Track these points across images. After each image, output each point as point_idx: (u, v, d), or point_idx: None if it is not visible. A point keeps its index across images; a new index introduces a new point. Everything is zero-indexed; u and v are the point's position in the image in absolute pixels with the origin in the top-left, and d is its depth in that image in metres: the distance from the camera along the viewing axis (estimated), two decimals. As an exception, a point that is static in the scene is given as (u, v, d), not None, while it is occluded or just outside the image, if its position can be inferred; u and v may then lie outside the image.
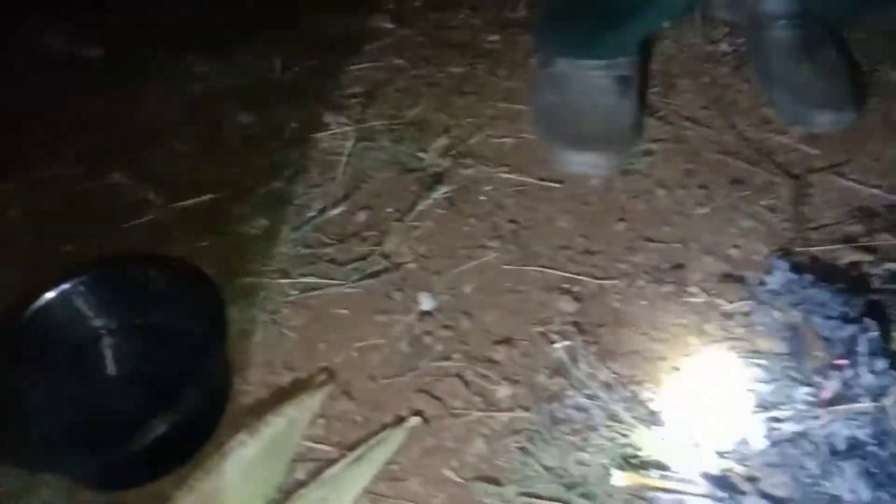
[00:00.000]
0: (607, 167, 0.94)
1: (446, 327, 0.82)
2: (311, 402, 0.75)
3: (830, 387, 0.70)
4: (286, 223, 0.94)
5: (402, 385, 0.77)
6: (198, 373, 0.73)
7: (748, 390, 0.72)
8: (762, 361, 0.74)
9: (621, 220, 0.90)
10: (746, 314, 0.79)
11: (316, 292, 0.86)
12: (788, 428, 0.68)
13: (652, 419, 0.72)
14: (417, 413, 0.74)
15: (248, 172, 1.01)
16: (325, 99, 1.09)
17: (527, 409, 0.74)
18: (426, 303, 0.84)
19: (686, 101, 1.03)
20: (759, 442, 0.68)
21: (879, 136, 0.95)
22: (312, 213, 0.94)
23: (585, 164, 0.94)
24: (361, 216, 0.94)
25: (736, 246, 0.86)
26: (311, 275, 0.88)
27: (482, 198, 0.95)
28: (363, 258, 0.89)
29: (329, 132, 1.04)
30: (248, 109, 1.10)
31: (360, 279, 0.87)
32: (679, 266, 0.85)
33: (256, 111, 1.10)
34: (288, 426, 0.72)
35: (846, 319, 0.73)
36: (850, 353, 0.71)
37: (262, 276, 0.88)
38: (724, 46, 1.08)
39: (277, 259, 0.90)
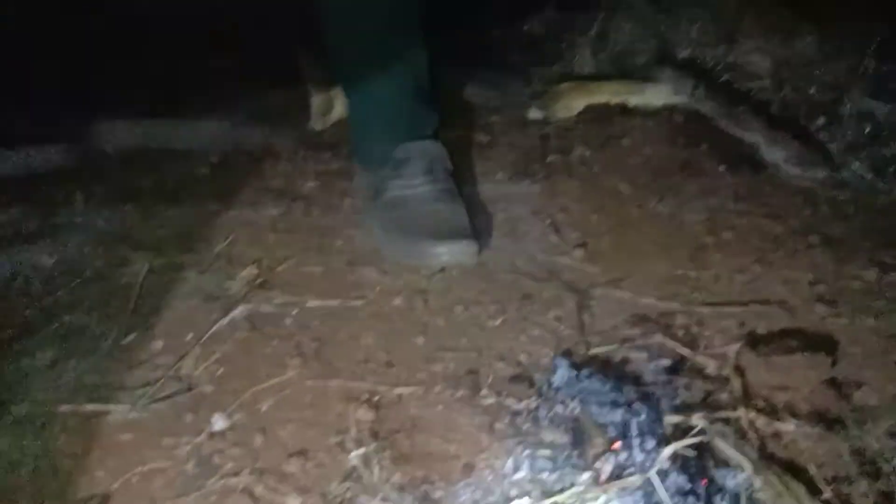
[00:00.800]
0: (474, 252, 1.00)
1: (238, 445, 0.79)
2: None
3: (607, 468, 0.73)
4: (75, 355, 0.89)
5: (183, 506, 0.72)
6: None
7: (534, 480, 0.73)
8: (547, 452, 0.76)
9: (422, 334, 0.94)
10: (533, 410, 0.82)
11: (99, 419, 0.81)
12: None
13: (442, 516, 0.71)
14: (198, 533, 0.69)
15: (41, 310, 0.97)
16: (132, 239, 1.09)
17: (316, 517, 0.71)
18: (219, 423, 0.81)
19: (483, 233, 1.11)
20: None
21: (654, 257, 1.06)
22: (106, 343, 0.91)
23: (455, 252, 1.00)
24: (158, 343, 0.92)
25: (526, 352, 0.91)
26: (96, 402, 0.83)
27: (287, 321, 0.96)
28: (154, 382, 0.86)
29: (132, 267, 1.03)
30: (50, 252, 1.08)
31: (149, 403, 0.83)
32: (473, 372, 0.88)
33: (60, 253, 1.08)
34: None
35: (618, 405, 0.78)
36: (623, 435, 0.75)
37: (41, 405, 0.82)
38: (513, 187, 1.20)
39: (60, 389, 0.85)
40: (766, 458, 0.73)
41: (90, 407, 0.82)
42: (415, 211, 1.05)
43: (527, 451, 0.76)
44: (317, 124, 1.37)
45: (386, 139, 1.13)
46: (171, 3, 1.69)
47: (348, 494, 0.74)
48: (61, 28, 1.59)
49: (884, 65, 1.28)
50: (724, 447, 0.74)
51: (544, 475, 0.74)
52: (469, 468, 0.76)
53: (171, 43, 1.60)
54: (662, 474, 0.71)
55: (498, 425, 0.81)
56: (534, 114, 1.38)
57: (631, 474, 0.72)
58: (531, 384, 0.86)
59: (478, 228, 1.06)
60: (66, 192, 1.18)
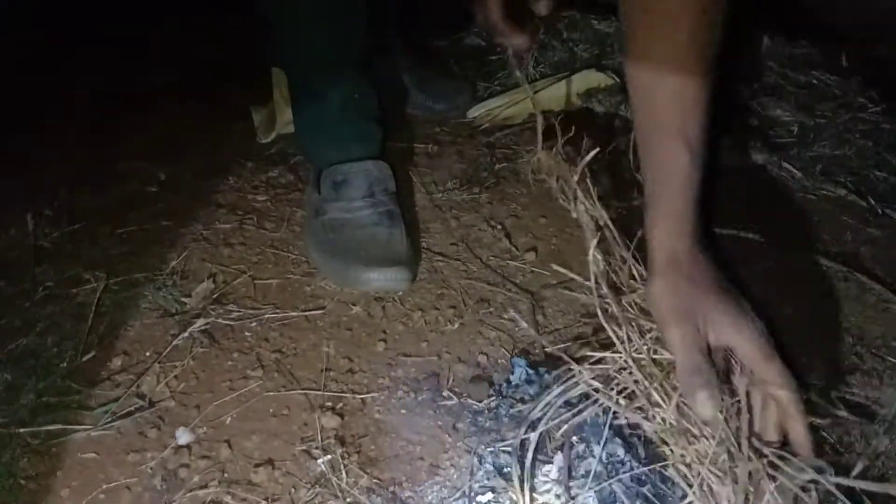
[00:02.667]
0: (406, 279, 1.01)
1: (204, 457, 0.80)
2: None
3: (557, 462, 0.76)
4: (32, 376, 0.88)
5: (153, 521, 0.73)
6: None
7: (497, 475, 0.76)
8: (508, 448, 0.79)
9: (382, 340, 0.96)
10: (493, 409, 0.85)
11: (60, 439, 0.81)
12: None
13: (411, 514, 0.73)
14: (169, 547, 0.70)
15: (-8, 334, 0.96)
16: (83, 260, 1.08)
17: (286, 524, 0.72)
18: (183, 437, 0.82)
19: (437, 240, 1.14)
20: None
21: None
22: (63, 363, 0.90)
23: (386, 279, 1.00)
24: (117, 361, 0.91)
25: (483, 353, 0.94)
26: (56, 422, 0.82)
27: (247, 334, 0.96)
28: (115, 400, 0.85)
29: (86, 287, 1.02)
30: (-2, 276, 1.06)
31: (111, 421, 0.83)
32: (434, 375, 0.90)
33: (8, 277, 1.06)
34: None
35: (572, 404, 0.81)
36: (579, 429, 0.79)
37: (0, 428, 0.81)
38: (464, 196, 1.23)
39: (19, 411, 0.84)
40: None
41: (51, 427, 0.81)
42: (351, 235, 1.06)
43: (490, 449, 0.79)
44: (262, 137, 1.37)
45: (332, 148, 1.14)
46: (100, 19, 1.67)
47: (317, 500, 0.75)
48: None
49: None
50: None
51: (506, 470, 0.77)
52: (434, 468, 0.79)
53: (103, 58, 1.58)
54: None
55: (460, 425, 0.83)
56: (479, 122, 1.42)
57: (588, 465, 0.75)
58: (491, 384, 0.89)
59: (419, 245, 1.09)
60: (11, 215, 1.16)
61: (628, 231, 0.88)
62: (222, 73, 1.53)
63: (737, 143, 1.26)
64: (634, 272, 0.87)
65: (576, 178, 0.96)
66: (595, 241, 0.82)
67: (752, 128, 1.31)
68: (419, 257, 1.08)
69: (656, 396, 0.74)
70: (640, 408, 0.76)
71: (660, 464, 0.74)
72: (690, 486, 0.69)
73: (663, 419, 0.74)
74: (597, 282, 0.80)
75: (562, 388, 0.83)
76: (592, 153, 0.92)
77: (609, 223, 0.88)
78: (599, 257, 0.85)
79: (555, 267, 0.88)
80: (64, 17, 1.67)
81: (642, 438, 0.77)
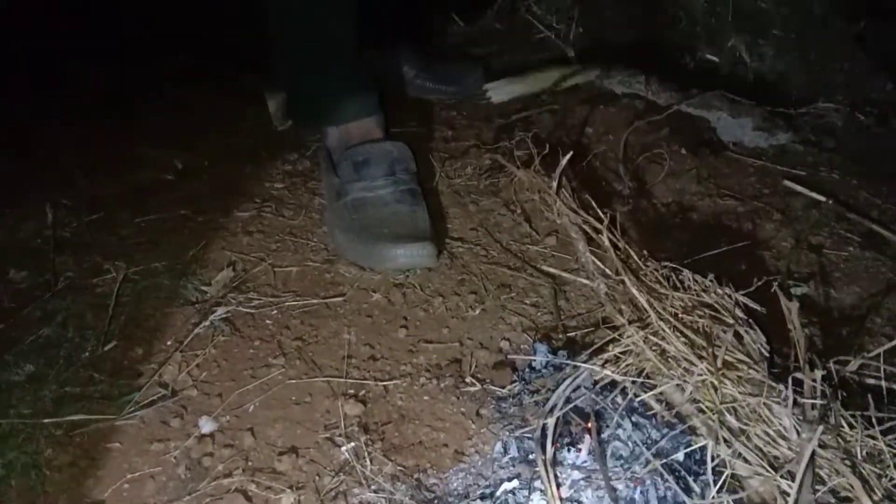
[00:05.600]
0: (432, 255, 1.00)
1: (228, 446, 0.79)
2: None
3: (584, 447, 0.75)
4: (54, 366, 0.88)
5: (178, 510, 0.73)
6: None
7: (523, 462, 0.75)
8: (532, 434, 0.78)
9: (403, 327, 0.95)
10: (517, 395, 0.84)
11: (84, 429, 0.81)
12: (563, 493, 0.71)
13: (437, 501, 0.72)
14: (195, 536, 0.70)
15: (15, 324, 0.96)
16: (103, 250, 1.08)
17: (311, 512, 0.72)
18: (206, 426, 0.81)
19: (456, 225, 1.13)
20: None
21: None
22: (85, 353, 0.90)
23: (413, 254, 1.00)
24: (139, 351, 0.91)
25: (506, 339, 0.93)
26: (80, 412, 0.82)
27: (267, 321, 0.96)
28: (138, 390, 0.85)
29: (106, 277, 1.02)
30: (18, 266, 1.06)
31: (134, 411, 0.83)
32: (456, 361, 0.90)
33: (29, 267, 1.06)
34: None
35: (595, 391, 0.80)
36: (599, 416, 0.78)
37: (23, 418, 0.81)
38: (482, 180, 1.22)
39: (42, 401, 0.84)
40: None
41: (74, 418, 0.81)
42: (374, 213, 1.05)
43: (514, 435, 0.78)
44: (278, 124, 1.36)
45: (338, 105, 1.15)
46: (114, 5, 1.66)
47: (342, 488, 0.75)
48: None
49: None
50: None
51: (532, 456, 0.76)
52: (459, 455, 0.78)
53: (119, 46, 1.58)
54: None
55: (484, 411, 0.83)
56: (495, 98, 1.42)
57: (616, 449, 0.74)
58: (514, 370, 0.88)
59: (440, 229, 1.08)
60: (30, 206, 1.16)
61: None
62: (237, 58, 1.52)
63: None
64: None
65: (554, 188, 0.97)
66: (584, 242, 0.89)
67: None
68: (441, 239, 1.07)
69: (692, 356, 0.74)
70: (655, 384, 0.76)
71: (684, 432, 0.73)
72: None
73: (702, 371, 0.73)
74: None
75: (584, 372, 0.81)
76: (565, 159, 0.94)
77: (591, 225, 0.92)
78: (591, 257, 0.86)
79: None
80: (77, 4, 1.66)
81: (662, 418, 0.76)
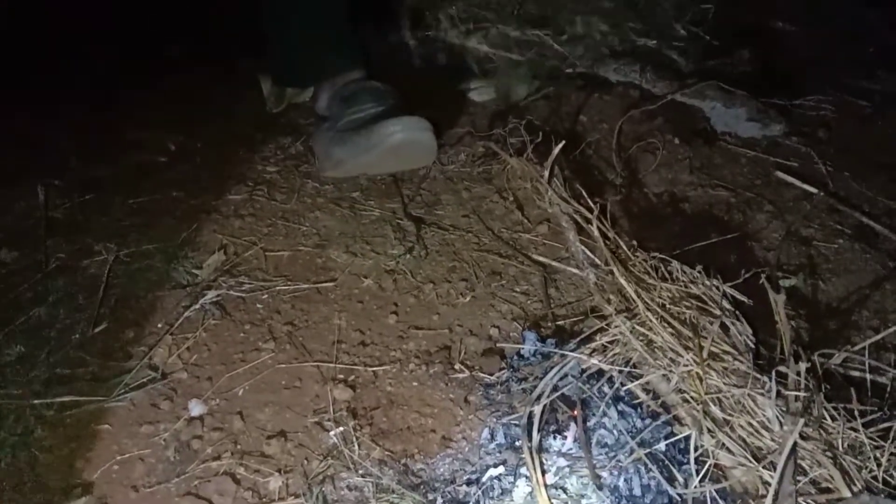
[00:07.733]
0: (427, 127, 1.07)
1: (217, 429, 0.80)
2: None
3: (570, 435, 0.76)
4: (45, 347, 0.89)
5: (167, 492, 0.73)
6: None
7: (509, 448, 0.76)
8: (519, 421, 0.79)
9: (394, 313, 0.95)
10: (505, 382, 0.84)
11: (74, 410, 0.81)
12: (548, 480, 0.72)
13: (424, 486, 0.73)
14: (183, 517, 0.70)
15: (6, 305, 0.96)
16: (95, 231, 1.08)
17: (299, 495, 0.72)
18: (196, 409, 0.82)
19: (448, 212, 1.13)
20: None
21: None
22: (76, 335, 0.90)
23: (409, 128, 1.05)
24: (129, 333, 0.91)
25: (495, 326, 0.93)
26: (70, 394, 0.83)
27: (258, 306, 0.96)
28: (128, 372, 0.86)
29: (97, 258, 1.02)
30: (9, 247, 1.06)
31: (124, 393, 0.83)
32: (446, 348, 0.90)
33: (20, 248, 1.06)
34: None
35: (582, 380, 0.81)
36: (585, 405, 0.79)
37: (13, 399, 0.81)
38: (476, 167, 1.22)
39: (32, 382, 0.84)
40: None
41: (64, 399, 0.82)
42: (364, 119, 1.10)
43: (502, 422, 0.79)
44: (272, 107, 1.36)
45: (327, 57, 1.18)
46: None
47: (330, 472, 0.75)
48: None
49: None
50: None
51: (518, 443, 0.76)
52: (446, 441, 0.79)
53: (113, 33, 1.56)
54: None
55: (472, 398, 0.83)
56: (485, 95, 1.41)
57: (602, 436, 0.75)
58: (502, 357, 0.88)
59: (433, 216, 1.10)
60: (22, 186, 1.16)
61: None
62: (233, 41, 1.51)
63: None
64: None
65: (545, 177, 0.97)
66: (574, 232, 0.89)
67: None
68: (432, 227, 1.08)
69: (678, 347, 0.75)
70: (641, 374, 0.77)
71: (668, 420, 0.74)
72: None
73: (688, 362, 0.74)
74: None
75: (571, 361, 0.82)
76: (557, 148, 0.94)
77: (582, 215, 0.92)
78: (581, 246, 0.87)
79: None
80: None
81: (648, 407, 0.77)
